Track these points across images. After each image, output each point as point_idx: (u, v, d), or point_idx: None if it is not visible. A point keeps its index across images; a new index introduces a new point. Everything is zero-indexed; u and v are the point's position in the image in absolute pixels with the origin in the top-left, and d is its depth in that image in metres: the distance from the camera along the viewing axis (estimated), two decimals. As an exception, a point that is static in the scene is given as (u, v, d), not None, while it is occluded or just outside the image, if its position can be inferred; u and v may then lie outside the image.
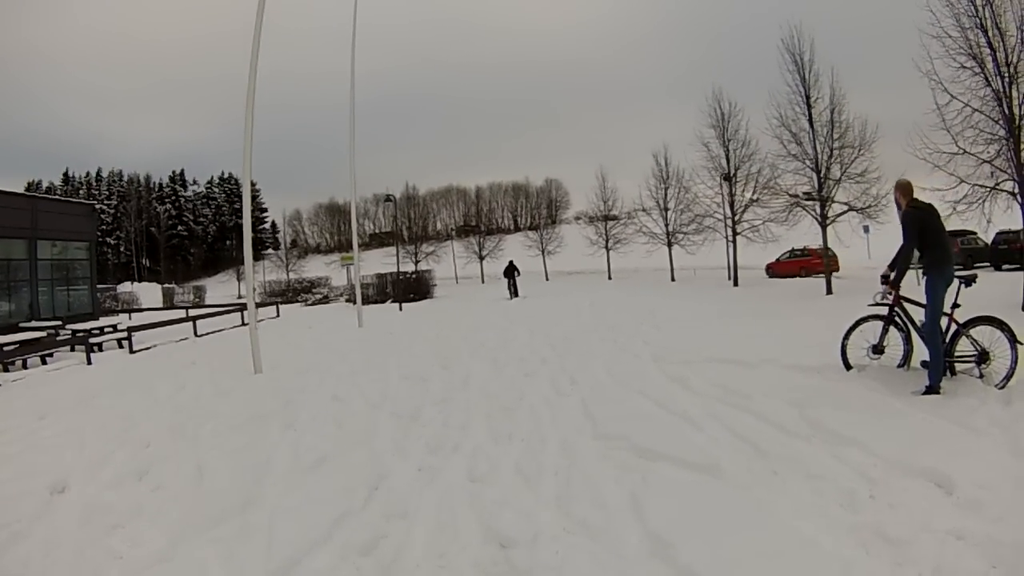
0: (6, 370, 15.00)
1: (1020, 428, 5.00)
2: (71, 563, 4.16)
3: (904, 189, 7.11)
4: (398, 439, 6.49)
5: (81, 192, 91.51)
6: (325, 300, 42.96)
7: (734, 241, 30.52)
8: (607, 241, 46.51)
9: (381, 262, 53.24)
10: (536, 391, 8.32)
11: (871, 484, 4.24)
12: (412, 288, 37.96)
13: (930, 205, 7.05)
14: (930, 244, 6.77)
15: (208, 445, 6.77)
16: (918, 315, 7.00)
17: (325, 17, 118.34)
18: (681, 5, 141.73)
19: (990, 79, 13.88)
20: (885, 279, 7.19)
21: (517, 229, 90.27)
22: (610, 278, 44.72)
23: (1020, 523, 3.54)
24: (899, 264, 6.97)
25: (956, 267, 6.98)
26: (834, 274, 29.96)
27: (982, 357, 6.56)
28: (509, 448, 5.92)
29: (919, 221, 6.78)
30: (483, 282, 54.66)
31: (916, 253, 6.86)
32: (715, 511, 4.10)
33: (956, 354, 6.67)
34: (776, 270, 36.00)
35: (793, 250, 35.14)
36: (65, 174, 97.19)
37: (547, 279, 51.98)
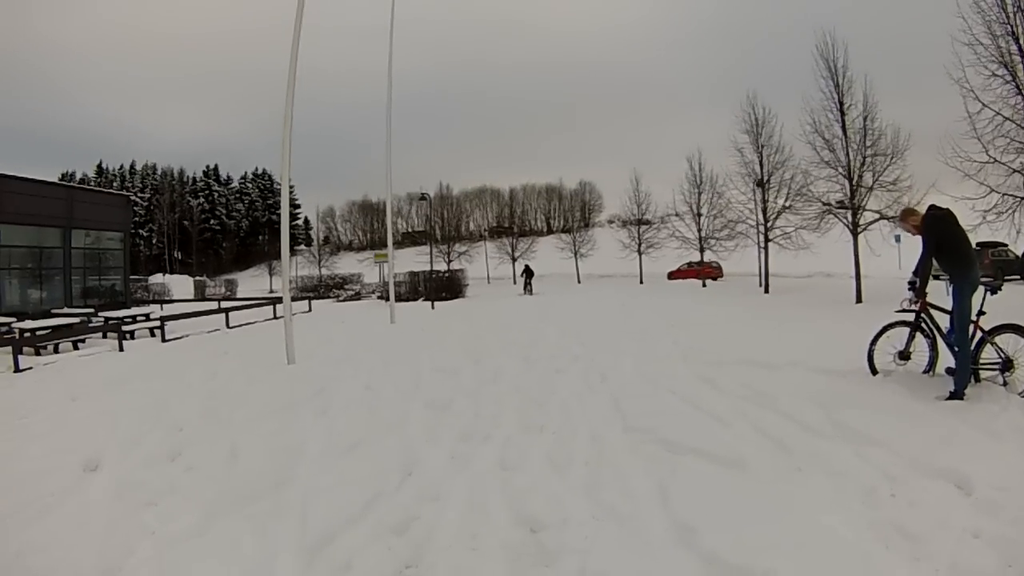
0: (38, 354, 15.35)
1: (1041, 434, 5.05)
2: (102, 536, 4.24)
3: (908, 214, 7.34)
4: (430, 427, 6.59)
5: (115, 184, 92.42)
6: (357, 296, 43.26)
7: (766, 248, 30.32)
8: (639, 245, 46.61)
9: (414, 261, 53.90)
10: (567, 386, 8.39)
11: (892, 483, 4.31)
12: (444, 287, 38.18)
13: (948, 210, 7.04)
14: (950, 249, 6.76)
15: (241, 429, 6.87)
16: (944, 321, 7.03)
17: (359, 14, 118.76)
18: (717, 10, 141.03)
19: (1021, 87, 13.86)
20: (912, 286, 7.24)
21: (550, 231, 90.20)
22: (642, 282, 44.75)
23: (1037, 524, 3.61)
24: (921, 272, 6.95)
25: (983, 277, 7.00)
26: (719, 279, 43.73)
27: (1006, 365, 6.55)
28: (540, 439, 6.02)
29: (938, 227, 6.80)
30: (515, 283, 54.81)
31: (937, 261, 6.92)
32: (739, 502, 4.19)
33: (981, 361, 6.66)
34: (676, 276, 48.24)
35: (690, 262, 45.66)
36: (99, 166, 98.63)
37: (579, 281, 52.07)
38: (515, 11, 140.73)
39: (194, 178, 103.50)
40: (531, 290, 41.59)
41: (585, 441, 5.84)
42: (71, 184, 57.10)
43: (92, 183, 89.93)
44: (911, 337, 7.35)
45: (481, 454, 5.65)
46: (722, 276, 45.25)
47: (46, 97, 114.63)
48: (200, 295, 50.01)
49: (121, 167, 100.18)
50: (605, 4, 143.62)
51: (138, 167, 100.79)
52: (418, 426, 6.67)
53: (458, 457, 5.61)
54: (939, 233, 6.78)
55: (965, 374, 6.46)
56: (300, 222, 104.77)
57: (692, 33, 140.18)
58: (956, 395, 6.35)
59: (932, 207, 7.07)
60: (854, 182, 22.09)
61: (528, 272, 44.74)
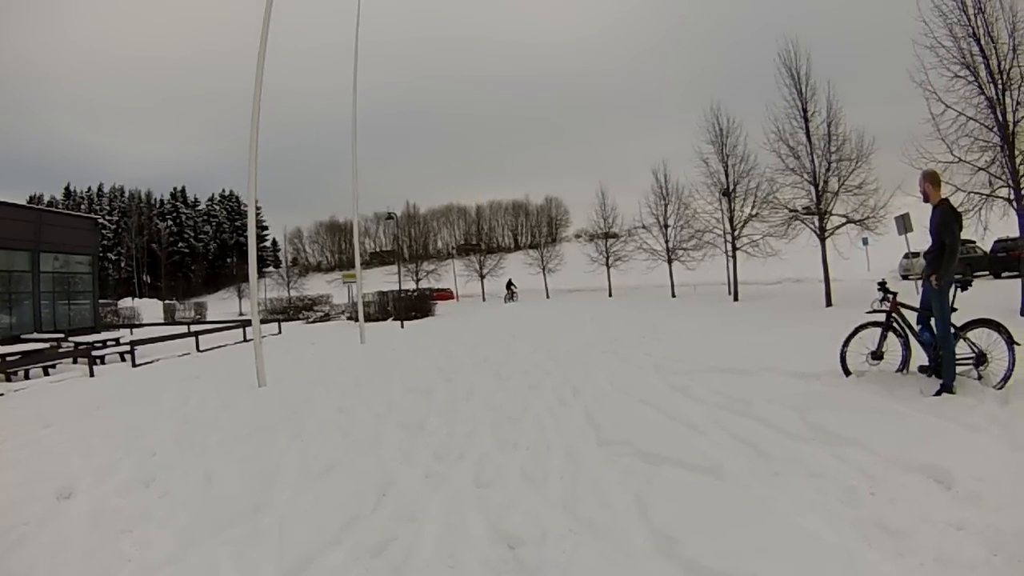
0: (8, 380, 15.15)
1: (1018, 424, 5.14)
2: (79, 565, 4.19)
3: (934, 179, 7.10)
4: (405, 448, 6.52)
5: (83, 207, 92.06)
6: (326, 317, 42.90)
7: (734, 256, 30.34)
8: (607, 258, 46.48)
9: (382, 280, 53.96)
10: (540, 402, 8.32)
11: (871, 481, 4.34)
12: (413, 306, 37.94)
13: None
14: (954, 247, 6.67)
15: (215, 454, 6.80)
16: (913, 319, 7.09)
17: (324, 33, 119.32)
18: (683, 20, 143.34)
19: (983, 87, 14.10)
20: (882, 287, 7.28)
21: (517, 247, 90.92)
22: (611, 295, 44.67)
23: (1020, 512, 3.64)
24: (947, 261, 6.61)
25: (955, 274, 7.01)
26: (451, 300, 54.59)
27: (980, 359, 6.64)
28: (515, 455, 5.96)
29: (959, 222, 6.80)
30: (484, 300, 55.07)
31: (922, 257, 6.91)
32: (719, 509, 4.17)
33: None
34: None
35: (435, 289, 51.83)
36: (67, 188, 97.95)
37: (547, 296, 52.11)
38: (481, 26, 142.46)
39: (161, 200, 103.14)
40: (513, 299, 50.93)
41: (560, 456, 5.80)
42: (39, 207, 56.22)
43: (60, 206, 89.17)
44: (883, 337, 7.41)
45: (457, 472, 5.58)
46: (456, 298, 58.65)
47: (12, 117, 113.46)
48: (170, 318, 49.60)
49: (89, 189, 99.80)
50: (571, 17, 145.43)
51: (106, 189, 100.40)
52: (392, 447, 6.59)
53: (433, 476, 5.55)
54: (958, 228, 6.76)
55: (951, 368, 6.49)
56: (268, 244, 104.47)
57: (659, 44, 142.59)
58: (946, 388, 6.42)
59: (945, 199, 7.02)
60: (820, 187, 22.22)
61: (510, 284, 53.35)
